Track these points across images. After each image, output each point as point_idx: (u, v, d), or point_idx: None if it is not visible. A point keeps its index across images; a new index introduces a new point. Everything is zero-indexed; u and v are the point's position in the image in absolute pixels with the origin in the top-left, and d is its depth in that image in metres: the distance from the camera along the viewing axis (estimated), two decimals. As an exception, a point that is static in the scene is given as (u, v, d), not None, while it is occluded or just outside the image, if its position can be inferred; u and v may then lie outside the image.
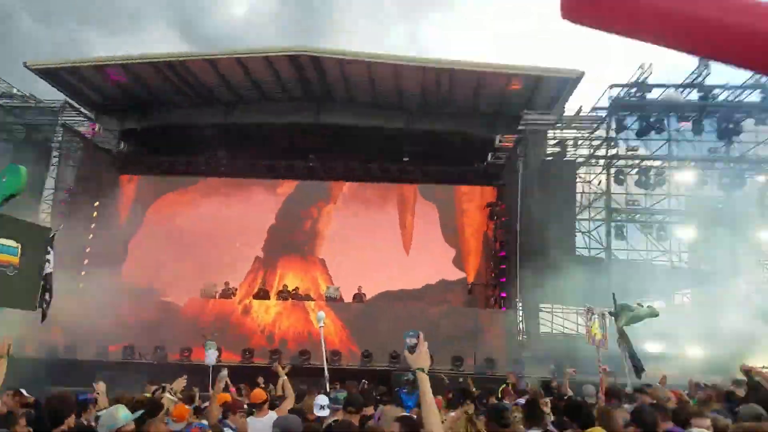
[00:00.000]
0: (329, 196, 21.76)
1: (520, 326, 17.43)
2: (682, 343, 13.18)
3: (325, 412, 4.96)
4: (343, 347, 15.94)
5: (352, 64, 18.62)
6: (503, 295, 17.67)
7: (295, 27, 48.38)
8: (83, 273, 17.23)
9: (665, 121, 16.49)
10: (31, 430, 4.49)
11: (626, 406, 5.83)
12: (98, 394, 5.56)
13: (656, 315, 9.29)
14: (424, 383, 2.46)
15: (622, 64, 25.29)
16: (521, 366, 14.05)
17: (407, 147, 20.39)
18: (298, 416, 4.43)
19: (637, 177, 16.26)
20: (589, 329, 8.56)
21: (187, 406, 5.41)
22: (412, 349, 2.51)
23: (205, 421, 4.98)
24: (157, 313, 15.43)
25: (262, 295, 18.16)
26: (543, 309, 17.16)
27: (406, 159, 20.72)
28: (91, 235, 17.33)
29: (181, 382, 6.53)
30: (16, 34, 44.74)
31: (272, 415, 5.07)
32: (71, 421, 3.95)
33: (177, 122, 20.53)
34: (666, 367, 12.32)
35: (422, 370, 2.47)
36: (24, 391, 6.05)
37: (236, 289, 18.40)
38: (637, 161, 16.56)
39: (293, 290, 18.52)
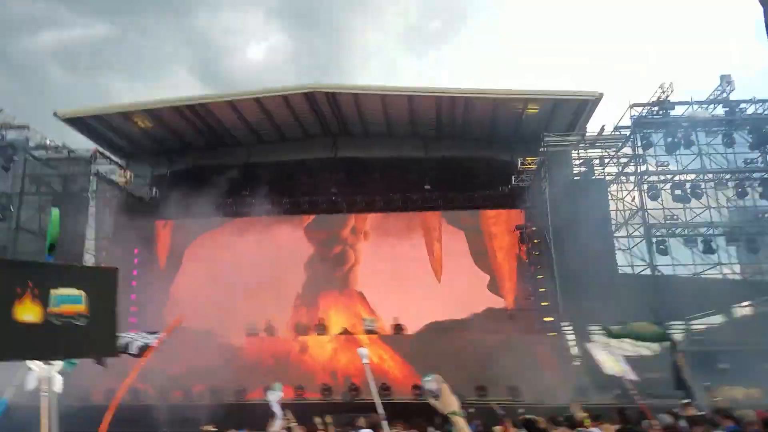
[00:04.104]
0: (355, 228, 21.83)
1: (572, 351, 16.98)
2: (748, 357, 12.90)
3: None
4: (406, 381, 15.87)
5: (365, 98, 19.06)
6: (549, 319, 17.31)
7: (312, 67, 49.66)
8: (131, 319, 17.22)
9: (693, 136, 16.67)
10: None
11: None
12: None
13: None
14: (461, 427, 2.25)
15: (641, 84, 26.08)
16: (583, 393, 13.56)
17: (428, 175, 20.52)
18: None
19: (671, 191, 16.35)
20: (603, 361, 7.76)
21: None
22: (435, 393, 2.34)
23: None
24: (217, 355, 15.33)
25: (302, 331, 18.21)
26: (593, 332, 16.80)
27: (427, 187, 20.81)
28: (135, 282, 17.29)
29: None
30: (47, 85, 45.34)
31: None
32: None
33: (203, 165, 20.79)
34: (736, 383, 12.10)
35: (455, 413, 2.27)
36: None
37: (274, 327, 18.16)
38: (669, 176, 16.68)
39: (320, 323, 18.52)
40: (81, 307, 3.52)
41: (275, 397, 10.29)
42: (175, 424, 9.36)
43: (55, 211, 4.66)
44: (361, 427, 9.34)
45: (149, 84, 50.34)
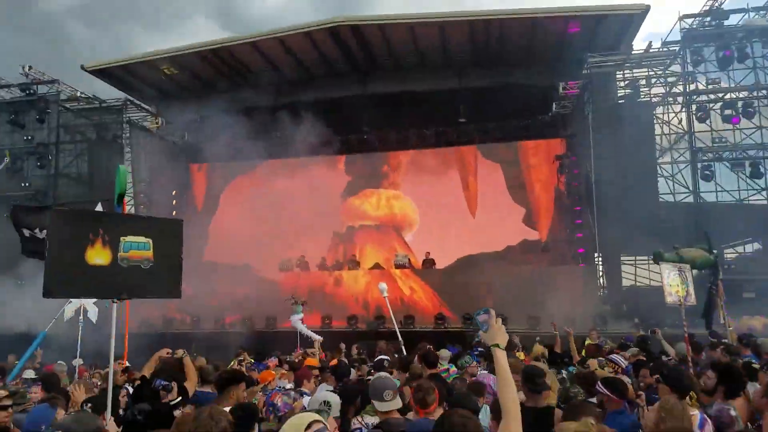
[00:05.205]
0: (389, 166, 21.58)
1: (600, 281, 16.78)
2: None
3: None
4: (434, 310, 16.29)
5: (393, 29, 18.11)
6: (580, 250, 16.90)
7: (333, 2, 47.98)
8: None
9: (748, 48, 15.18)
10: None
11: None
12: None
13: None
14: (502, 360, 2.38)
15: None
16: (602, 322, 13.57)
17: (462, 107, 19.62)
18: None
19: (721, 111, 15.06)
20: (668, 286, 7.45)
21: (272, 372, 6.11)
22: (485, 325, 2.49)
23: (286, 384, 5.53)
24: (255, 288, 16.03)
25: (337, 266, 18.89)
26: (625, 261, 16.43)
27: (462, 120, 20.03)
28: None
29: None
30: (70, 40, 46.53)
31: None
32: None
33: (232, 108, 20.72)
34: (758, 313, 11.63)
35: (498, 346, 2.43)
36: (128, 364, 6.68)
37: (307, 263, 18.78)
38: (720, 95, 15.33)
39: (352, 258, 18.99)
40: (148, 253, 4.13)
41: (298, 318, 10.99)
42: (208, 351, 9.98)
43: (123, 167, 4.86)
44: (382, 351, 10.06)
45: (170, 33, 50.57)
